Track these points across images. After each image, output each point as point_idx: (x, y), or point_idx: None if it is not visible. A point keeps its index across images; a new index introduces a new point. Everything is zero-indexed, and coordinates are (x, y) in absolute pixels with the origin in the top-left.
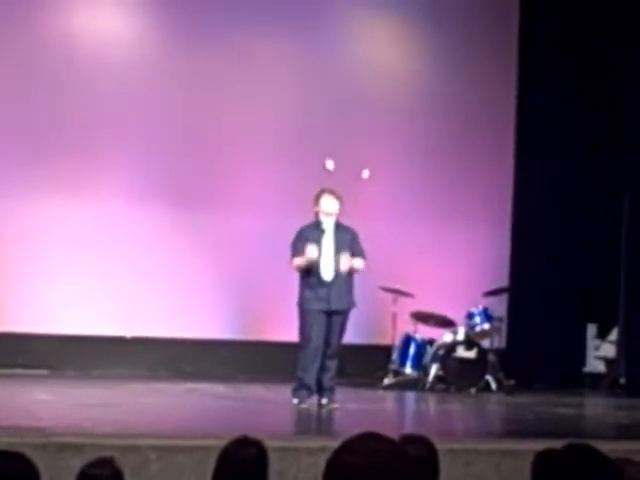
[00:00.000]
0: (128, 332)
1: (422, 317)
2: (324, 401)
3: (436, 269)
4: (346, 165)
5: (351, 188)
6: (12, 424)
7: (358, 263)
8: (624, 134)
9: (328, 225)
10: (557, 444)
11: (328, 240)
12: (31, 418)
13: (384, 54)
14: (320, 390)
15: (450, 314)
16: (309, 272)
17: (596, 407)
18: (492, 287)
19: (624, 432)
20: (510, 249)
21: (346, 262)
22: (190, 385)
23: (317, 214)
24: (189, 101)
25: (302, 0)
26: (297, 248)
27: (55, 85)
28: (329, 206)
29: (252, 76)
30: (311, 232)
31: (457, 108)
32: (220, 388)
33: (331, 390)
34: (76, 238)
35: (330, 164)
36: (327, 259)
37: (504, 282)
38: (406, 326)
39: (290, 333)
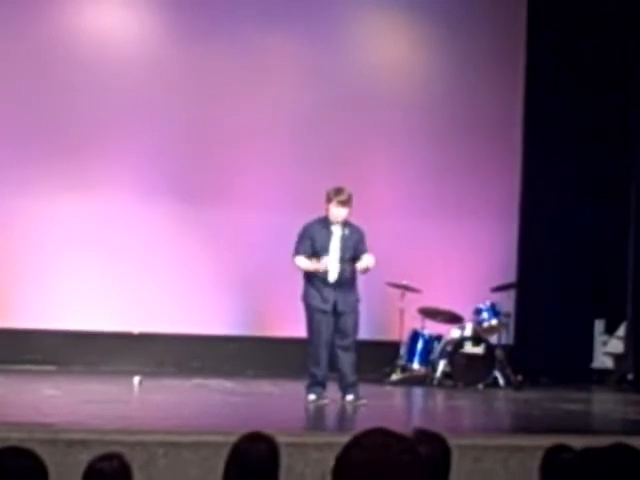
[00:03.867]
0: (136, 328)
1: (430, 313)
2: (350, 397)
3: (444, 265)
4: (353, 162)
5: (359, 185)
6: (20, 420)
7: (370, 261)
8: (631, 128)
9: (336, 227)
10: (565, 440)
11: (335, 242)
12: (39, 414)
13: (391, 53)
14: (344, 387)
15: (458, 310)
16: (313, 272)
17: (604, 403)
18: (500, 283)
19: (632, 428)
20: (518, 245)
21: (367, 261)
22: (198, 381)
23: (327, 210)
24: (196, 99)
25: None
26: (302, 246)
27: (62, 83)
28: (336, 215)
29: (260, 74)
30: (318, 231)
31: (465, 105)
32: (228, 384)
33: (354, 386)
34: (84, 234)
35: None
36: (333, 262)
37: (512, 278)
38: (414, 322)
39: (297, 329)
